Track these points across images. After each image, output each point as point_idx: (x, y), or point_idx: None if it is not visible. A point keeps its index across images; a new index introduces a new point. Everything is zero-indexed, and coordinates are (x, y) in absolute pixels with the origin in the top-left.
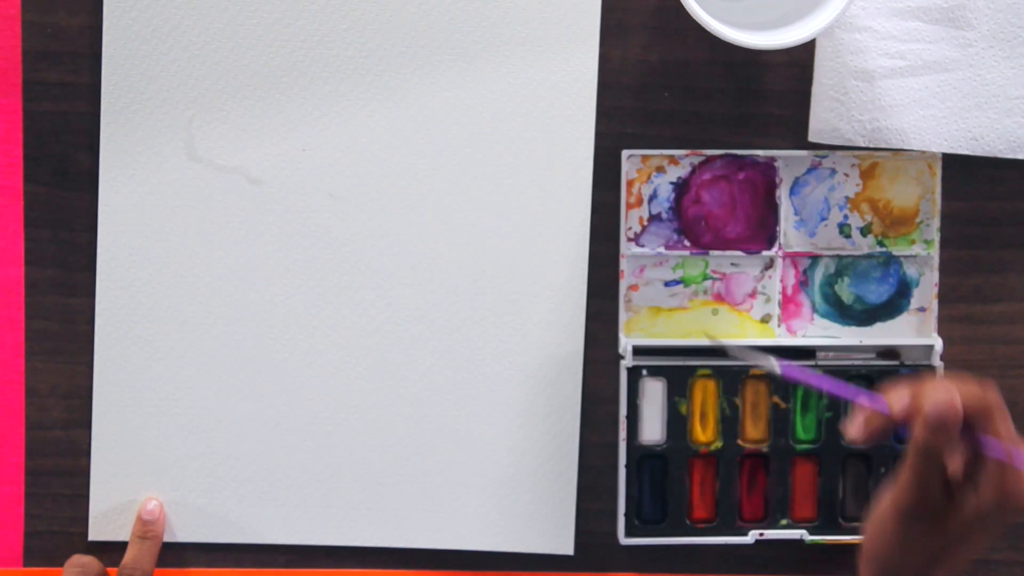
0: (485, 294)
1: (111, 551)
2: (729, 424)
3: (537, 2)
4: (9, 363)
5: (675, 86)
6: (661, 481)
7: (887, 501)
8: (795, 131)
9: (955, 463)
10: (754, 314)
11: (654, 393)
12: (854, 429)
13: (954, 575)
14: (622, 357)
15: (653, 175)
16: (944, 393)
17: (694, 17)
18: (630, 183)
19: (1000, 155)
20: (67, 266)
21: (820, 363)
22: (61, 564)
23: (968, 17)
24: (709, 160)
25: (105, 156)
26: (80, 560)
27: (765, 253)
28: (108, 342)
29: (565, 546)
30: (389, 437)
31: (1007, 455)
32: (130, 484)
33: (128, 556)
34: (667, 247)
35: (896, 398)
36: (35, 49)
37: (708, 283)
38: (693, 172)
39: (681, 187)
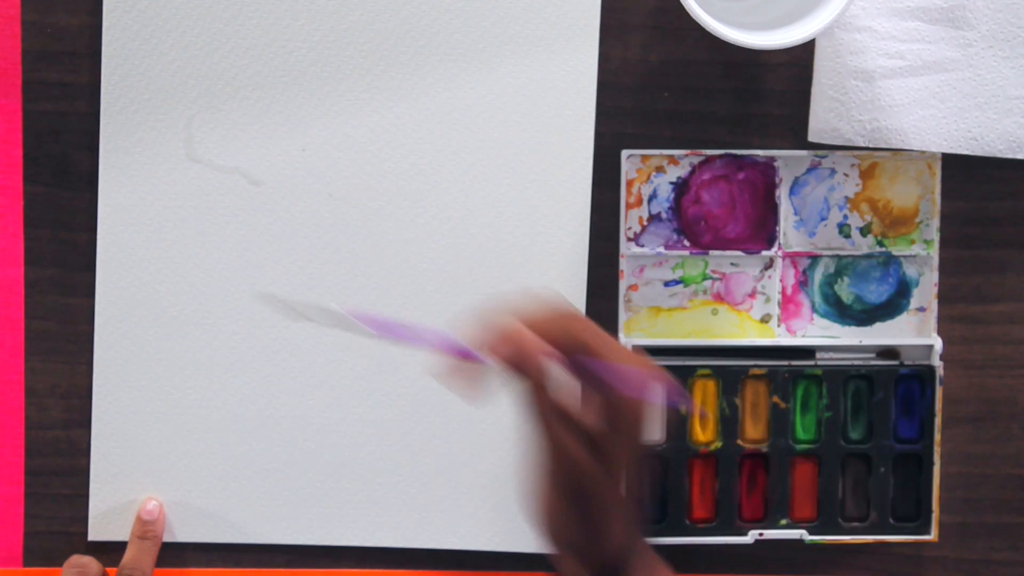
0: (485, 294)
1: (111, 551)
2: (729, 424)
3: (537, 2)
4: (9, 363)
5: (675, 86)
6: (661, 481)
7: (541, 478)
8: (795, 131)
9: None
10: (754, 314)
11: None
12: (439, 376)
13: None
14: None
15: (653, 175)
16: (505, 341)
17: (694, 17)
18: (630, 183)
19: (1000, 155)
20: (67, 266)
21: (820, 363)
22: (61, 564)
23: (968, 17)
24: (709, 160)
25: (105, 156)
26: (79, 560)
27: (765, 253)
28: (108, 342)
29: None
30: (389, 437)
31: (607, 376)
32: (130, 484)
33: (128, 556)
34: (667, 247)
35: (480, 342)
36: (35, 49)
37: (708, 283)
38: (693, 172)
39: (681, 187)
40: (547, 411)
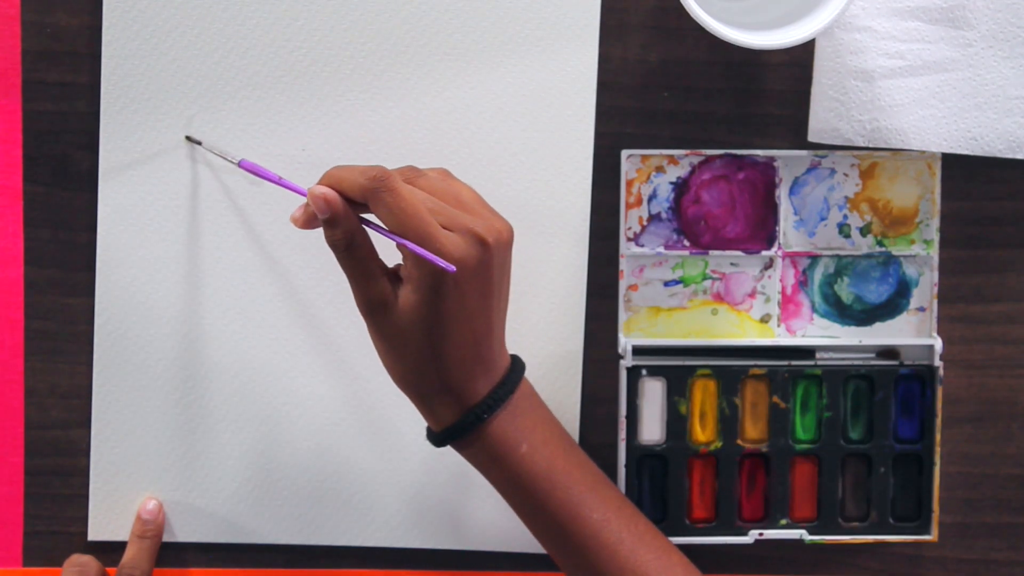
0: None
1: (111, 551)
2: (729, 424)
3: (537, 2)
4: (9, 363)
5: (675, 86)
6: (661, 481)
7: (371, 328)
8: (795, 131)
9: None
10: (754, 314)
11: (654, 393)
12: (292, 217)
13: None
14: (622, 357)
15: (653, 175)
16: (320, 191)
17: (694, 17)
18: (630, 183)
19: (1000, 155)
20: (67, 266)
21: (820, 363)
22: (61, 564)
23: (968, 17)
24: (709, 160)
25: (105, 156)
26: (79, 560)
27: (765, 253)
28: (108, 342)
29: None
30: (389, 437)
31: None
32: (130, 484)
33: (127, 556)
34: (667, 247)
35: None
36: (35, 49)
37: (708, 283)
38: (693, 172)
39: (681, 187)
40: (336, 246)
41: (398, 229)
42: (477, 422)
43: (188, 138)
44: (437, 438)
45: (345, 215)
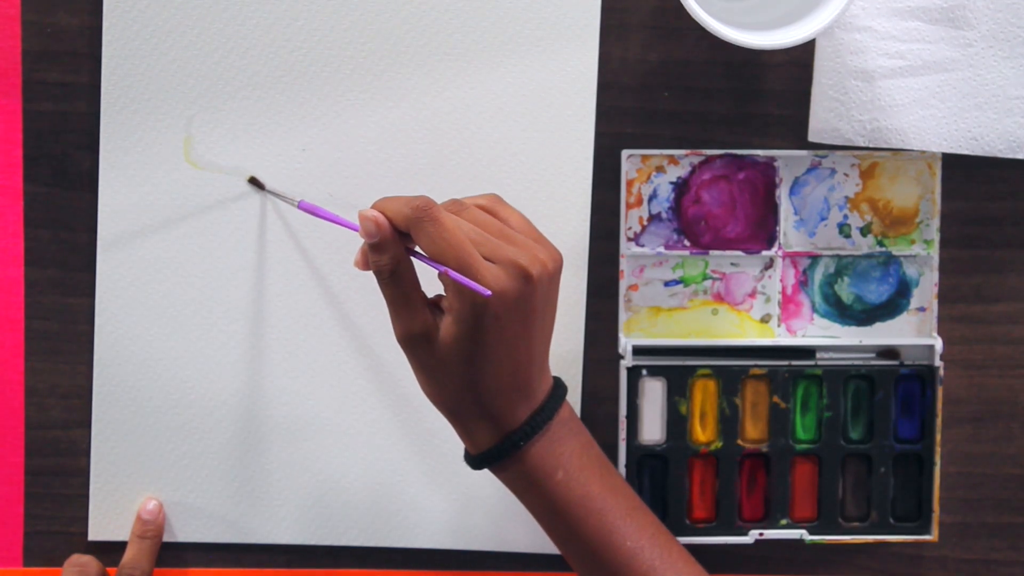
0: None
1: (111, 551)
2: (729, 424)
3: (537, 2)
4: (9, 363)
5: (675, 86)
6: (661, 481)
7: (411, 358)
8: (795, 131)
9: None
10: (754, 314)
11: (654, 393)
12: (355, 262)
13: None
14: (622, 357)
15: (653, 175)
16: (371, 214)
17: (694, 17)
18: (630, 183)
19: (1000, 155)
20: (67, 266)
21: (820, 363)
22: (61, 564)
23: (968, 17)
24: (709, 160)
25: (105, 156)
26: (79, 559)
27: (765, 253)
28: (108, 342)
29: None
30: (389, 437)
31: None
32: (130, 484)
33: (127, 556)
34: (667, 247)
35: (363, 223)
36: (35, 49)
37: (708, 283)
38: (693, 172)
39: (681, 187)
40: (381, 275)
41: (439, 258)
42: (514, 449)
43: (252, 180)
44: (474, 461)
45: (393, 240)
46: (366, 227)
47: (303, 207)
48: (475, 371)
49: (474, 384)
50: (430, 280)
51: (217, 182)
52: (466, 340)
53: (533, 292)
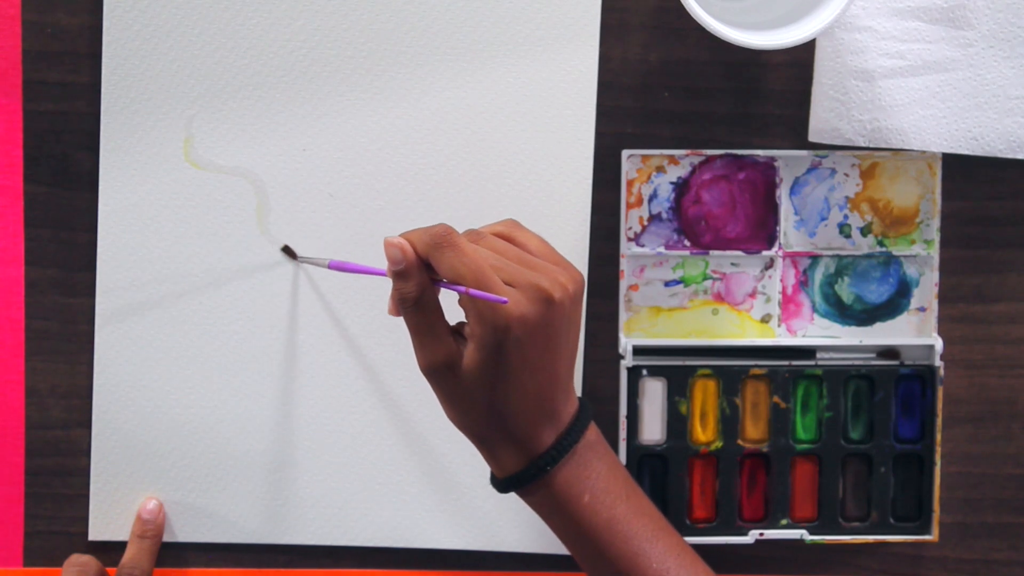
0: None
1: (111, 551)
2: (729, 424)
3: (537, 2)
4: (9, 363)
5: (675, 86)
6: (661, 481)
7: (435, 387)
8: (795, 131)
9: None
10: (754, 314)
11: (654, 393)
12: (388, 310)
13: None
14: (622, 357)
15: (653, 175)
16: (396, 240)
17: (694, 17)
18: (630, 183)
19: (1000, 155)
20: (67, 266)
21: (820, 363)
22: (61, 564)
23: (968, 17)
24: (709, 160)
25: (105, 156)
26: (79, 559)
27: (765, 253)
28: (108, 342)
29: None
30: (389, 437)
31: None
32: (130, 484)
33: (127, 555)
34: (667, 247)
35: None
36: (35, 49)
37: (708, 283)
38: (693, 172)
39: (681, 187)
40: (406, 303)
41: (459, 283)
42: (541, 473)
43: (285, 249)
44: (501, 485)
45: (418, 267)
46: (391, 254)
47: (333, 266)
48: (499, 396)
49: (499, 409)
50: (453, 312)
51: (217, 182)
52: (489, 365)
53: (555, 315)
